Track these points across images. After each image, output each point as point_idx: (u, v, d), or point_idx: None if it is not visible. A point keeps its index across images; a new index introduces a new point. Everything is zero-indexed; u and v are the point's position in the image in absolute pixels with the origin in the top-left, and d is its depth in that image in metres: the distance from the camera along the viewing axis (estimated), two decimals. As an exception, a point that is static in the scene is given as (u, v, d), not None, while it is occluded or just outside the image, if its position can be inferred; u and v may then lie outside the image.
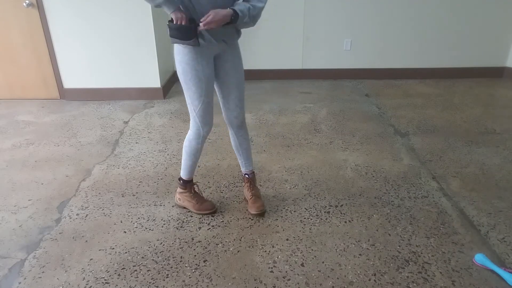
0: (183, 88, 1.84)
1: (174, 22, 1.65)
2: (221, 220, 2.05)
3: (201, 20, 1.59)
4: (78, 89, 4.30)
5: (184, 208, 2.15)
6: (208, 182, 2.44)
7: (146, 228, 1.99)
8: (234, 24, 1.68)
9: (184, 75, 1.79)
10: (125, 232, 1.96)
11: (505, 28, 4.85)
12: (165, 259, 1.76)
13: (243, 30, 1.88)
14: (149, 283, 1.61)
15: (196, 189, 2.14)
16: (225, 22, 1.63)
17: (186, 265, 1.72)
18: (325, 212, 2.11)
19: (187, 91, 1.83)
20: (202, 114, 1.86)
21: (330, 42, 4.98)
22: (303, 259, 1.74)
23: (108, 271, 1.69)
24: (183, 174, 2.09)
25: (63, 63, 4.18)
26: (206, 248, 1.83)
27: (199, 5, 1.64)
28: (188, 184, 2.10)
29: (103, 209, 2.17)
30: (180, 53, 1.76)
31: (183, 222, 2.04)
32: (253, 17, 1.70)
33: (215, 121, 2.00)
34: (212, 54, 1.82)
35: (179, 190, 2.13)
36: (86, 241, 1.90)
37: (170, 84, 4.57)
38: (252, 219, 2.05)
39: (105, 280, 1.64)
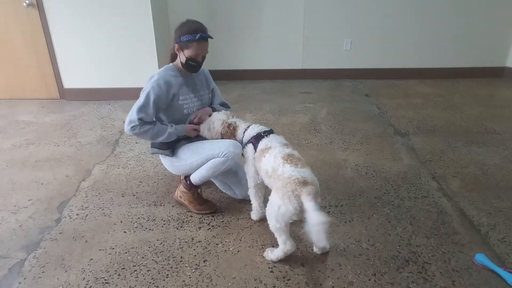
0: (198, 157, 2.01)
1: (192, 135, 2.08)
2: (221, 220, 2.05)
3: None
4: (78, 89, 4.30)
5: (183, 205, 2.15)
6: (208, 182, 2.44)
7: (146, 228, 1.99)
8: None
9: (195, 152, 2.02)
10: (125, 232, 1.96)
11: (505, 28, 4.86)
12: (165, 259, 1.76)
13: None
14: (149, 283, 1.61)
15: (198, 191, 2.14)
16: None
17: (186, 265, 1.72)
18: (325, 212, 2.11)
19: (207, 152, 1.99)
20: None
21: (330, 42, 4.98)
22: (303, 259, 1.74)
23: (108, 271, 1.69)
24: (195, 179, 2.06)
25: (63, 63, 4.18)
26: (206, 248, 1.83)
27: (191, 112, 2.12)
28: (193, 187, 2.10)
29: (103, 209, 2.17)
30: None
31: (183, 222, 2.04)
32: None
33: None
34: None
35: (182, 188, 2.13)
36: (86, 241, 1.90)
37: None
38: (252, 219, 2.04)
39: (105, 280, 1.63)
